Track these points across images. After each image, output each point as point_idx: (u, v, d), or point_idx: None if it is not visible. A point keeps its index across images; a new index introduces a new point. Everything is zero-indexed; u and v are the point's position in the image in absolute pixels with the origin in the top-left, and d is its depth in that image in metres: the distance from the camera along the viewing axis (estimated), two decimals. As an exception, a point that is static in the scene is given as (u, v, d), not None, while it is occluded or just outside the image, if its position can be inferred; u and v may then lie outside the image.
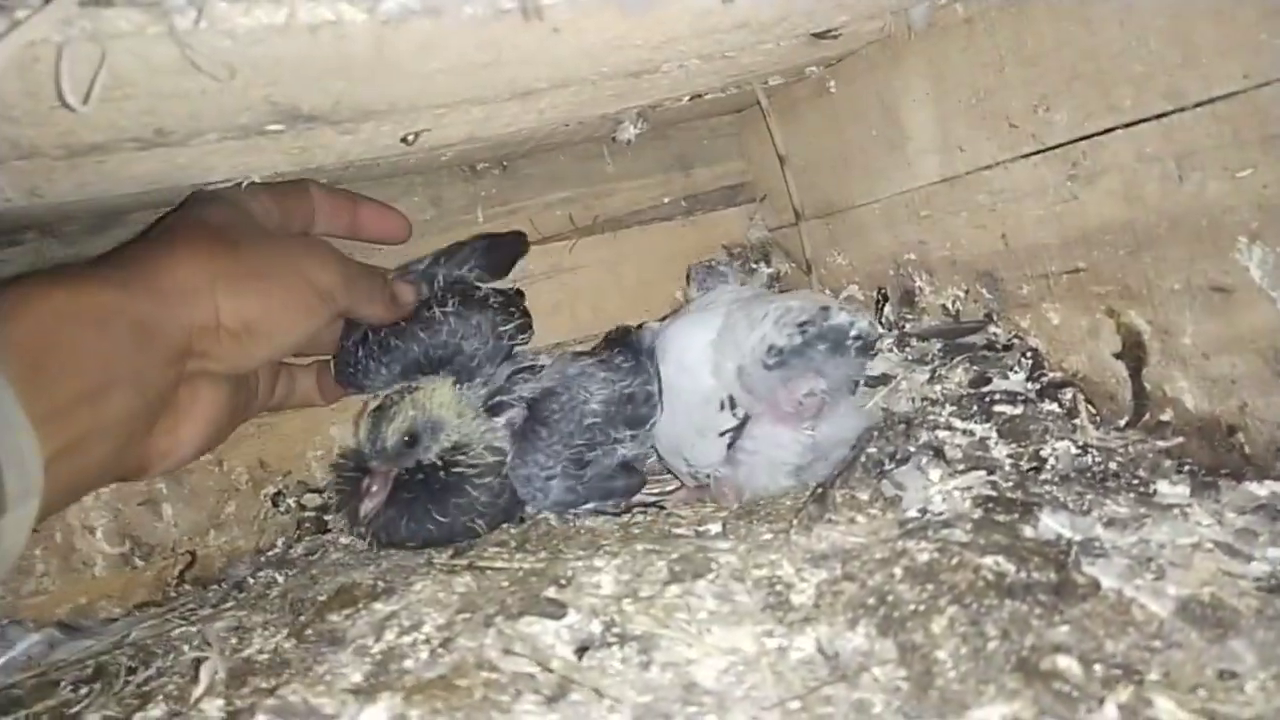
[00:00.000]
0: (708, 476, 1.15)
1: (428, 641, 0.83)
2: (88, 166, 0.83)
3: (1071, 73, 1.10)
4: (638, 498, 1.24)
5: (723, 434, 1.08)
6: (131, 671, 1.03)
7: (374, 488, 1.14)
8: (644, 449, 1.27)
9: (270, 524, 1.38)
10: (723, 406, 1.09)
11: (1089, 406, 1.14)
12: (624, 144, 1.54)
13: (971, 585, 0.78)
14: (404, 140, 1.00)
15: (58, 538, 1.27)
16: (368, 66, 0.75)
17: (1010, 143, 1.20)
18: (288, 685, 0.78)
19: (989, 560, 0.81)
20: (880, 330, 1.21)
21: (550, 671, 0.74)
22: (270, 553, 1.33)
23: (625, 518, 1.19)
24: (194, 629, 1.08)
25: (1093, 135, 1.10)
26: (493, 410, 1.21)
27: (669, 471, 1.29)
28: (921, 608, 0.77)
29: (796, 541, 0.90)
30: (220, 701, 0.80)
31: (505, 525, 1.19)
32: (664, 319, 1.45)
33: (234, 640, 1.02)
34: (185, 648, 1.05)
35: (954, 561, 0.81)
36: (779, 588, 0.82)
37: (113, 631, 1.17)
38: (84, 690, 1.04)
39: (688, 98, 1.35)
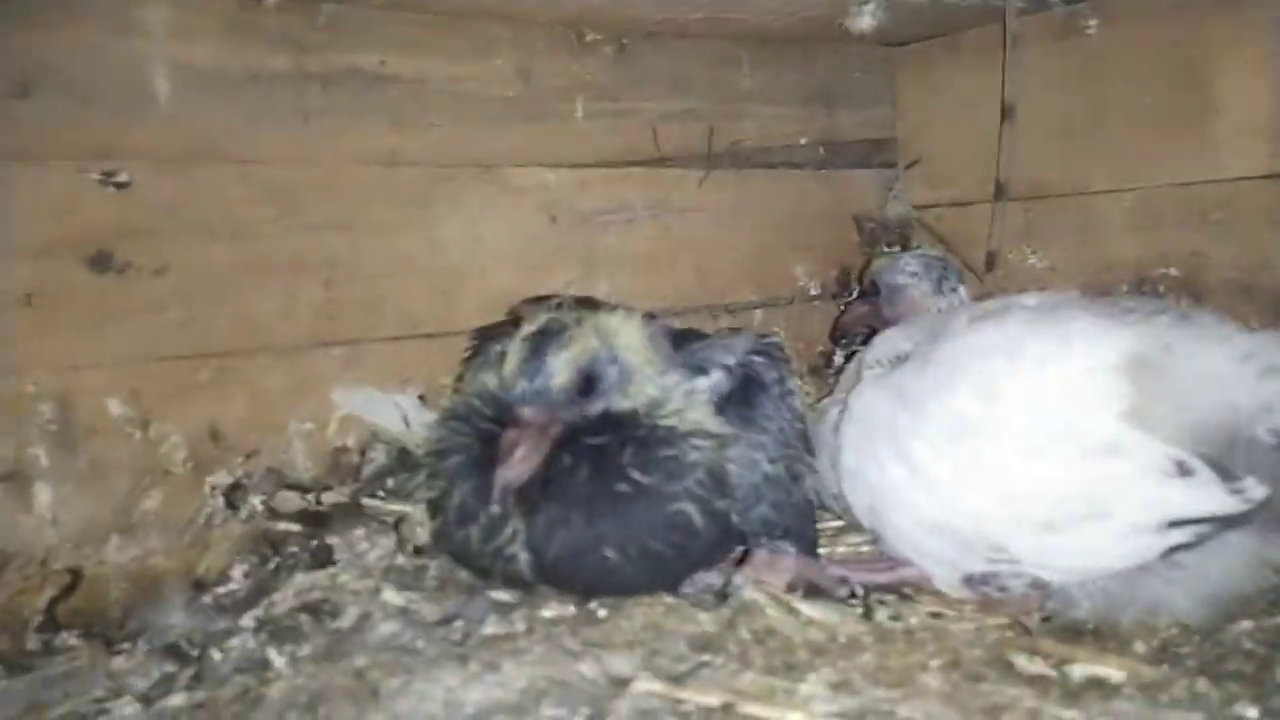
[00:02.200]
0: (1038, 588, 0.72)
1: None
2: None
3: None
4: (864, 576, 0.80)
5: (1181, 525, 0.66)
6: None
7: (521, 447, 0.66)
8: (813, 493, 0.85)
9: (220, 536, 0.83)
10: (1182, 472, 0.66)
11: None
12: (768, 55, 1.13)
13: None
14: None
15: None
16: None
17: None
18: None
19: None
20: None
21: None
22: (222, 590, 0.78)
23: (854, 604, 0.75)
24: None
25: None
26: (694, 369, 0.76)
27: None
28: None
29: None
30: None
31: (672, 599, 0.72)
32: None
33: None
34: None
35: None
36: None
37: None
38: None
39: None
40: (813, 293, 1.28)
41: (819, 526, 0.92)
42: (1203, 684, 0.60)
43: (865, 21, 0.93)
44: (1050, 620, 0.73)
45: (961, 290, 0.98)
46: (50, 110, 0.78)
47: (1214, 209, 1.02)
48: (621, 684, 0.58)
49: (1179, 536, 0.65)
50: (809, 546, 0.81)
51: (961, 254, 1.26)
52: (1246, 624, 0.69)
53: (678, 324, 1.11)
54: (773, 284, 1.24)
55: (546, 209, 1.05)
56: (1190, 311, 0.76)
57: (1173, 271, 1.06)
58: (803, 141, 1.26)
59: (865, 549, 0.89)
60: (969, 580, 0.75)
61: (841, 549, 0.91)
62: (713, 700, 0.55)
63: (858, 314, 1.04)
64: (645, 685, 0.57)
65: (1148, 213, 1.08)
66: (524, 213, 1.04)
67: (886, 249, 1.33)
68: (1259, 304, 0.99)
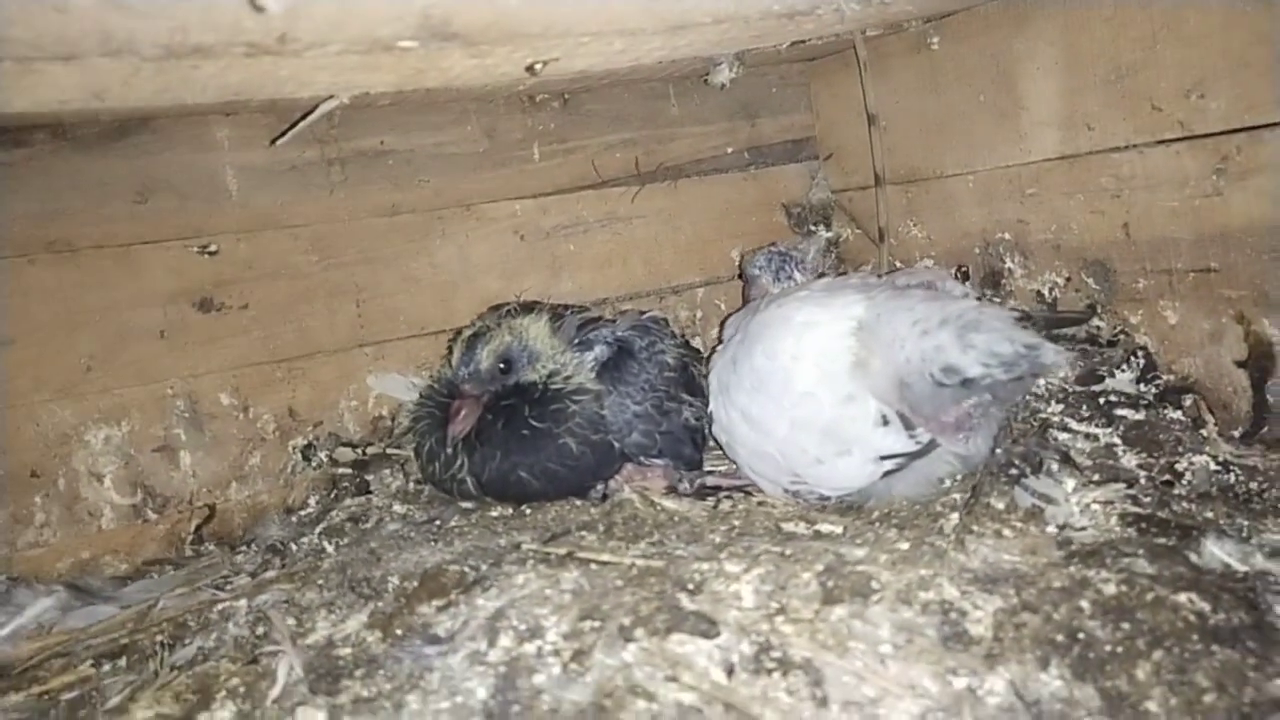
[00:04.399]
0: (824, 499, 1.04)
1: (557, 653, 0.73)
2: (179, 71, 0.68)
3: (1239, 59, 1.01)
4: (724, 481, 1.14)
5: (887, 459, 0.97)
6: (166, 649, 0.91)
7: (463, 411, 1.06)
8: (701, 424, 1.19)
9: (300, 479, 1.25)
10: (885, 422, 0.96)
11: (1214, 415, 1.08)
12: (691, 86, 1.45)
13: (1173, 627, 0.71)
14: (529, 69, 0.86)
15: (61, 484, 1.13)
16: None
17: (1150, 126, 1.11)
18: (402, 694, 0.67)
19: (1183, 598, 0.74)
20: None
21: (726, 706, 0.64)
22: (303, 512, 1.20)
23: (709, 501, 1.09)
24: (238, 603, 0.96)
25: (1252, 128, 1.02)
26: (583, 346, 1.13)
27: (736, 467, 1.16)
28: (1120, 649, 0.70)
29: (952, 557, 0.82)
30: (321, 715, 0.69)
31: (580, 503, 1.09)
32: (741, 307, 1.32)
33: (292, 622, 0.90)
34: (229, 625, 0.93)
35: (1148, 598, 0.74)
36: (952, 615, 0.74)
37: (131, 597, 1.03)
38: (108, 667, 0.91)
39: (789, 44, 1.23)
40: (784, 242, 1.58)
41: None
42: (890, 532, 0.92)
43: (724, 76, 1.23)
44: (840, 501, 1.06)
45: (797, 276, 1.27)
46: (162, 208, 1.19)
47: (1028, 185, 1.28)
48: (517, 546, 0.95)
49: (888, 465, 0.97)
50: (684, 461, 1.15)
51: (865, 228, 1.56)
52: (956, 496, 0.99)
53: (630, 306, 1.47)
54: (712, 267, 1.56)
55: (516, 230, 1.41)
56: (929, 282, 1.06)
57: (1006, 236, 1.33)
58: (729, 150, 1.56)
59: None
60: (785, 491, 1.08)
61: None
62: (563, 551, 0.91)
63: (745, 295, 1.36)
64: (529, 546, 0.94)
65: (985, 190, 1.35)
66: (499, 235, 1.40)
67: (812, 228, 1.63)
68: (1065, 258, 1.26)
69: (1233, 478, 0.97)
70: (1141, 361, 1.17)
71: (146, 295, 1.18)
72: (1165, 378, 1.15)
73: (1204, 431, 1.05)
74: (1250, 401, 1.08)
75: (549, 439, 1.04)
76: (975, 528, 0.89)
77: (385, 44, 0.69)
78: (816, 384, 1.00)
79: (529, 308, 1.19)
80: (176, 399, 1.19)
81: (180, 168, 1.19)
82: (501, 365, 1.06)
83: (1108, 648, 0.71)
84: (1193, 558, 0.82)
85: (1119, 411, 1.10)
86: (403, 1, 0.60)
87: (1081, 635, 0.72)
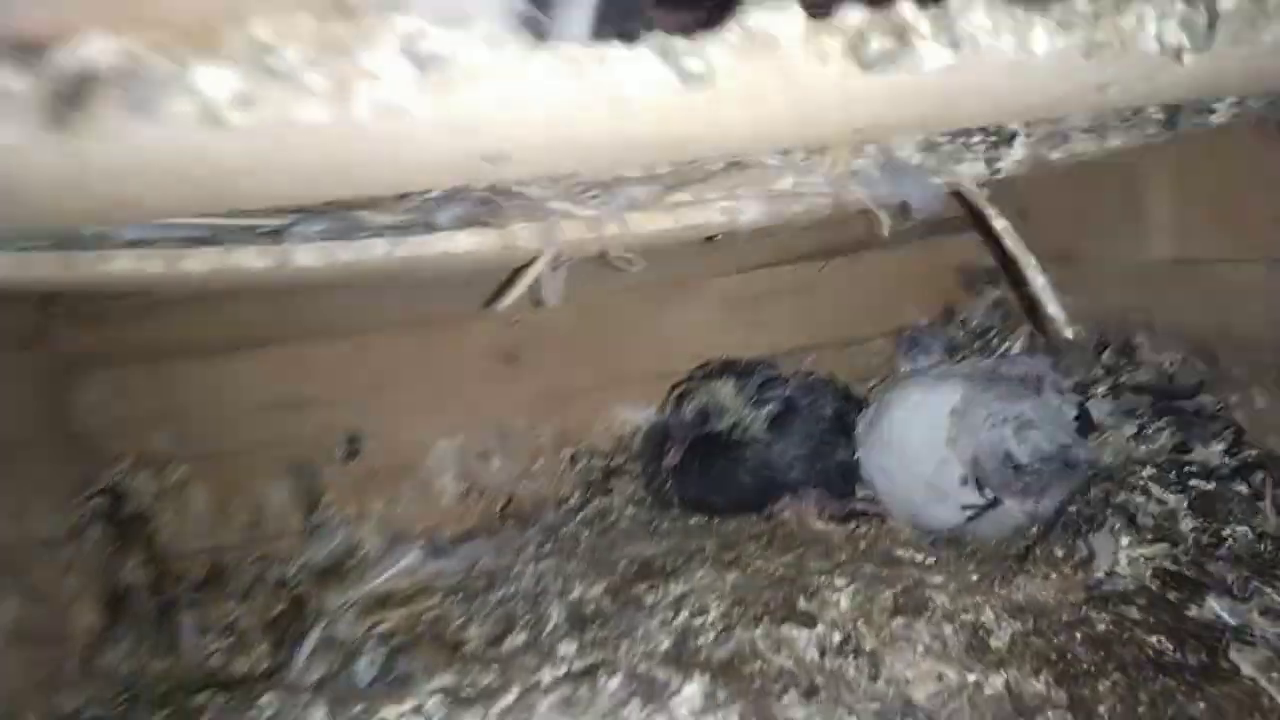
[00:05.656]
0: (935, 532, 1.37)
1: (713, 626, 1.17)
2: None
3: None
4: (863, 507, 1.52)
5: (966, 508, 1.29)
6: (487, 591, 1.45)
7: (672, 449, 1.52)
8: (853, 462, 1.55)
9: (567, 480, 1.77)
10: (965, 482, 1.29)
11: (1275, 491, 1.30)
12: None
13: (1136, 659, 1.03)
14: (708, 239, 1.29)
15: (419, 475, 1.72)
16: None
17: (1243, 246, 1.33)
18: (619, 645, 1.14)
19: (1153, 639, 1.05)
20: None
21: (807, 673, 1.06)
22: (569, 504, 1.72)
23: (850, 525, 1.48)
24: (527, 568, 1.48)
25: (1324, 255, 1.23)
26: (759, 403, 1.53)
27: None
28: (1093, 669, 1.03)
29: (999, 592, 1.17)
30: (573, 645, 1.18)
31: (756, 518, 1.52)
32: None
33: (559, 583, 1.41)
34: (521, 581, 1.45)
35: (1125, 636, 1.06)
36: (981, 633, 1.10)
37: (464, 555, 1.60)
38: (450, 600, 1.47)
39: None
40: (923, 324, 1.91)
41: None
42: (970, 565, 1.26)
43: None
44: (950, 533, 1.40)
45: (920, 359, 1.59)
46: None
47: (1152, 278, 1.52)
48: (702, 549, 1.39)
49: (968, 513, 1.30)
50: (836, 491, 1.54)
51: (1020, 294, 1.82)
52: (1030, 541, 1.31)
53: (816, 356, 1.86)
54: (889, 321, 1.90)
55: (724, 299, 1.83)
56: (1027, 373, 1.37)
57: (1136, 315, 1.58)
58: (907, 225, 1.88)
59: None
60: (908, 522, 1.44)
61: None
62: (731, 556, 1.35)
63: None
64: (710, 549, 1.38)
65: (1119, 277, 1.59)
66: (712, 303, 1.83)
67: (980, 289, 1.92)
68: (1181, 341, 1.50)
69: (1264, 546, 1.21)
70: (1232, 435, 1.39)
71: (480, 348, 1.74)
72: (1248, 452, 1.37)
73: (1260, 504, 1.28)
74: (1318, 480, 1.29)
75: (730, 475, 1.48)
76: (1030, 569, 1.22)
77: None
78: (924, 449, 1.35)
79: (726, 367, 1.62)
80: (489, 423, 1.75)
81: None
82: (699, 417, 1.50)
83: (1084, 666, 1.03)
84: (1191, 610, 1.11)
85: (1194, 481, 1.35)
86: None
87: (1069, 655, 1.05)
